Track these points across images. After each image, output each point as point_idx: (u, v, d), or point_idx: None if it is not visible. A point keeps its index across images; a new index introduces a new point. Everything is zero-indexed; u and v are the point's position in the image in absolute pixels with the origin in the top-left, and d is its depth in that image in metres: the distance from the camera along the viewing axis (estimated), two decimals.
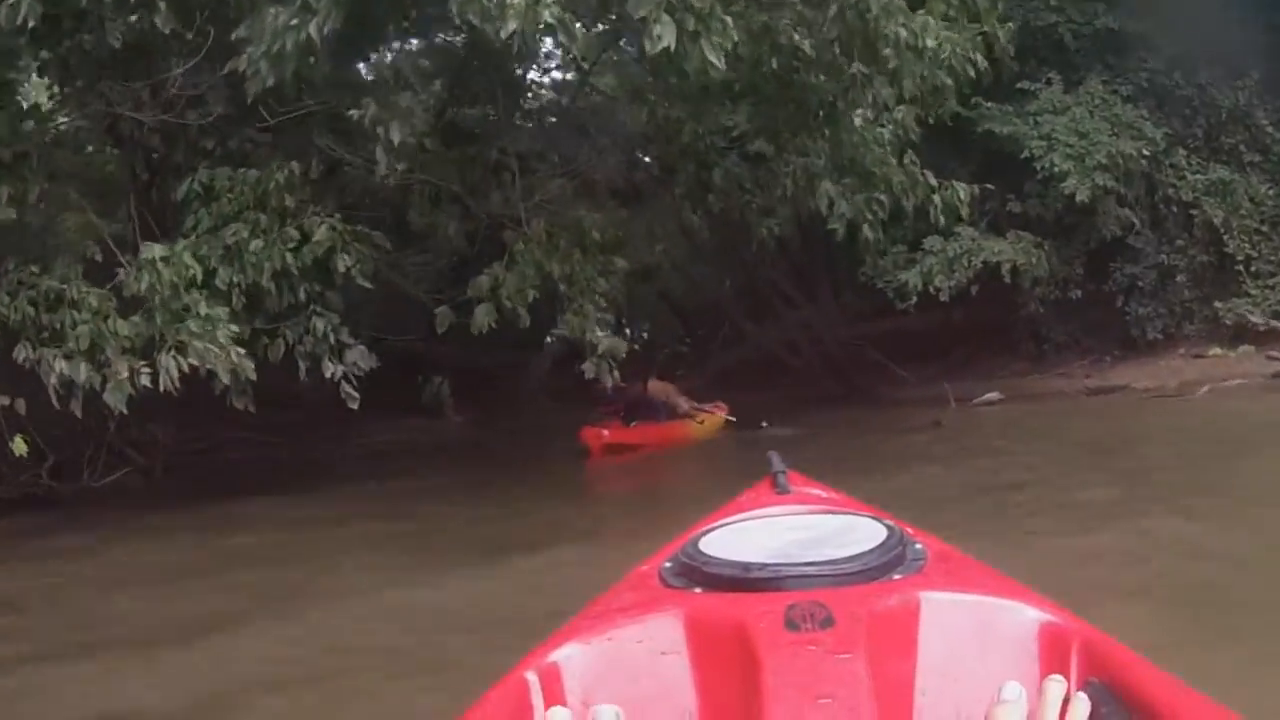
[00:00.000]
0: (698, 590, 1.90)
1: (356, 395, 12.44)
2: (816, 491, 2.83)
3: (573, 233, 13.59)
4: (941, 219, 14.38)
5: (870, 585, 1.80)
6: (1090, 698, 1.50)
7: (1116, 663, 1.63)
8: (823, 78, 12.45)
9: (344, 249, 12.05)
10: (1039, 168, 21.57)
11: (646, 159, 20.52)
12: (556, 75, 26.39)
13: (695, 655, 1.76)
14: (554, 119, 23.94)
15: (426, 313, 15.28)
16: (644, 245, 38.27)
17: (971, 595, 1.83)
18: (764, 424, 18.81)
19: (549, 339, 55.46)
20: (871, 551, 1.89)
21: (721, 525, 2.26)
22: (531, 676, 1.73)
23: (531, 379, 50.77)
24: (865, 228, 13.92)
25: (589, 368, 12.94)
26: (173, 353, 10.92)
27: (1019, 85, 22.51)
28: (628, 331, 60.25)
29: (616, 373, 12.64)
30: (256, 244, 11.49)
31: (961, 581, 1.91)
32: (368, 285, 12.79)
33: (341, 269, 12.10)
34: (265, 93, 10.47)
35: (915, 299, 22.51)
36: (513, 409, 41.25)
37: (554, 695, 1.71)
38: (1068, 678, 1.58)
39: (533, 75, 26.60)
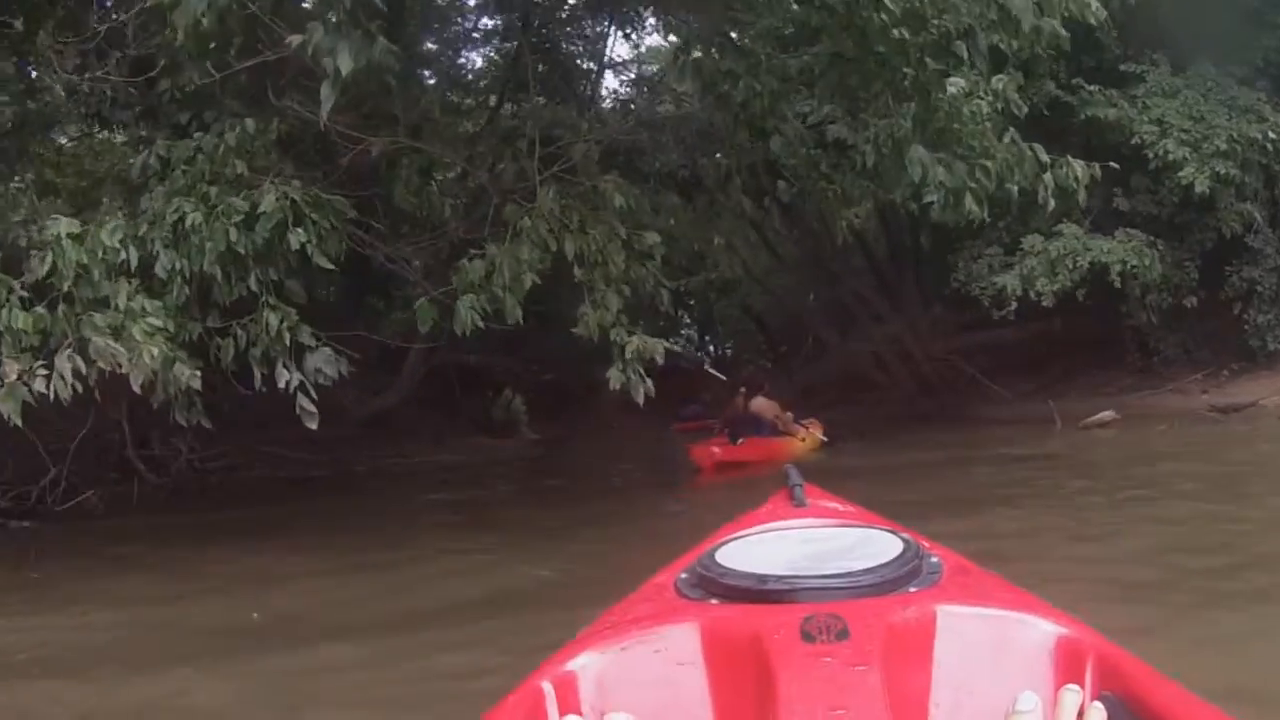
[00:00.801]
0: (714, 601, 1.88)
1: (314, 411, 9.87)
2: (833, 505, 2.83)
3: (588, 202, 10.89)
4: (1052, 202, 11.63)
5: (886, 598, 1.78)
6: (1105, 710, 1.47)
7: (1131, 676, 1.60)
8: (907, 33, 9.92)
9: (297, 222, 9.40)
10: (1150, 156, 18.84)
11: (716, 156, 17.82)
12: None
13: (711, 666, 1.73)
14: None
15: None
16: (723, 256, 37.41)
17: (987, 608, 1.80)
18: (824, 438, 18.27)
19: None
20: (887, 564, 1.87)
21: (738, 537, 2.26)
22: (547, 685, 1.70)
23: (612, 396, 49.07)
24: (968, 199, 11.05)
25: (615, 376, 10.34)
26: (70, 351, 8.45)
27: (1121, 68, 19.90)
28: (712, 348, 59.26)
29: (649, 383, 10.17)
30: (196, 217, 8.93)
31: (977, 594, 1.90)
32: (329, 266, 9.99)
33: (295, 246, 9.35)
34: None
35: (1014, 305, 20.00)
36: (594, 428, 39.63)
37: (569, 704, 1.69)
38: (1083, 690, 1.55)
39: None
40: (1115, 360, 23.07)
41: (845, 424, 20.56)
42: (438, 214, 13.78)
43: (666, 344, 10.60)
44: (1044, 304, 19.56)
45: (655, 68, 28.91)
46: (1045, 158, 11.39)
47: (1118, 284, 19.49)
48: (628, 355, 10.11)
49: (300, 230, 9.24)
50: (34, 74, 11.76)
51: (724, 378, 22.09)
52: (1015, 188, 11.44)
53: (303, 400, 9.66)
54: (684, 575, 2.04)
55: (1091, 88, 19.58)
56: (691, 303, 50.55)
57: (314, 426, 9.80)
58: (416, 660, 6.27)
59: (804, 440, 18.10)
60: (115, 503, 14.71)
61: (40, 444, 13.22)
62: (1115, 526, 9.28)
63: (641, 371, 10.17)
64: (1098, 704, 1.50)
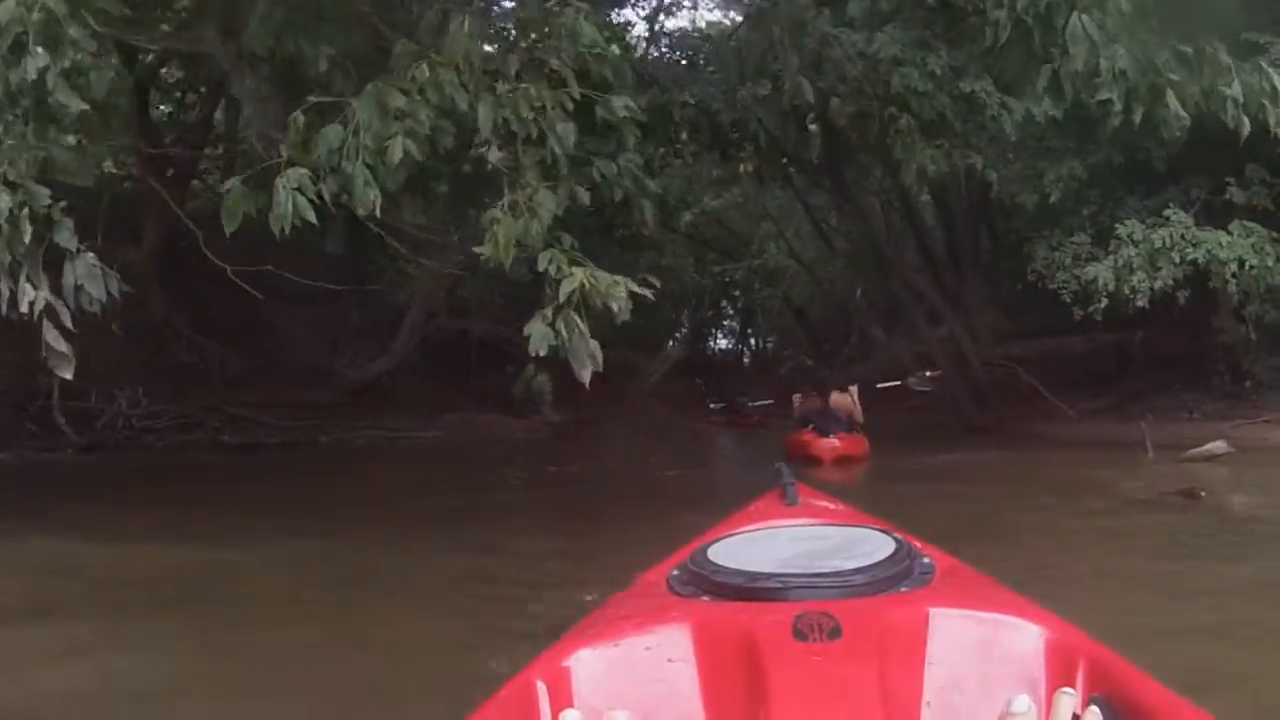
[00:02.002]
0: (706, 599, 1.87)
1: (66, 352, 6.13)
2: (824, 504, 2.82)
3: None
4: (1245, 125, 7.98)
5: (878, 597, 1.77)
6: (1100, 713, 1.41)
7: (1123, 678, 1.57)
8: None
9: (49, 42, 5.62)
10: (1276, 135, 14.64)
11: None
12: None
13: (703, 663, 1.69)
14: None
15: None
16: (770, 241, 34.57)
17: (979, 609, 1.75)
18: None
19: (671, 341, 52.14)
20: (880, 564, 1.87)
21: (730, 535, 2.26)
22: (539, 681, 1.65)
23: (644, 382, 46.72)
24: (1170, 100, 7.36)
25: (538, 333, 6.58)
26: None
27: (1244, 36, 16.15)
28: (753, 341, 56.25)
29: (598, 353, 6.56)
30: None
31: (969, 595, 1.87)
32: (79, 106, 6.05)
33: (32, 73, 5.57)
34: None
35: (1104, 302, 16.28)
36: (623, 413, 36.71)
37: (562, 700, 1.63)
38: (1075, 692, 1.47)
39: None
40: (1198, 383, 19.32)
41: (886, 431, 17.96)
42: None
43: (635, 285, 6.68)
44: (1138, 303, 16.01)
45: None
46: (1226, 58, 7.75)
47: (1229, 286, 15.87)
48: (562, 297, 6.54)
49: (41, 50, 5.55)
50: None
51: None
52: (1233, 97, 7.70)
53: (50, 334, 6.06)
54: (676, 572, 2.02)
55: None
56: (736, 293, 47.91)
57: (68, 375, 6.19)
58: None
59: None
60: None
61: None
62: None
63: (583, 328, 6.56)
64: (1094, 708, 1.41)
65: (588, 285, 6.42)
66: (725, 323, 55.86)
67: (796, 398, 18.06)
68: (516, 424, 24.05)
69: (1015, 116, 12.37)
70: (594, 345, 6.60)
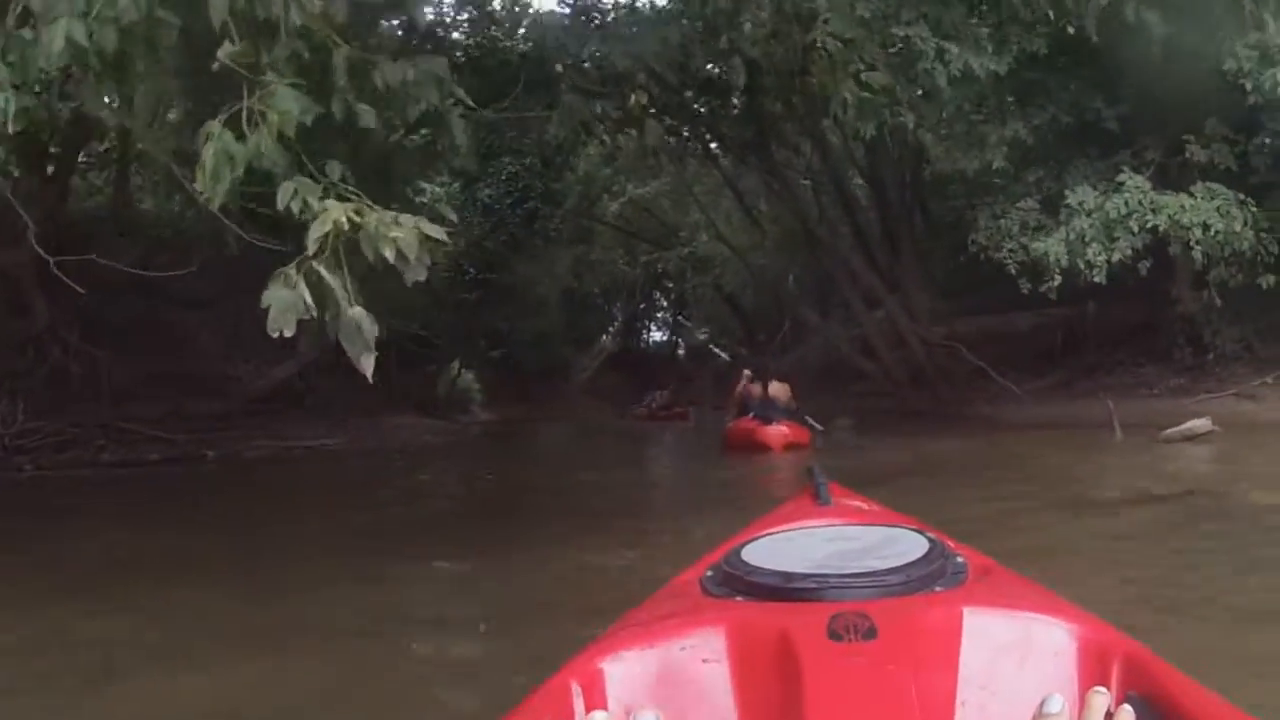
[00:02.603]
0: (740, 599, 1.78)
1: None
2: (857, 504, 2.75)
3: None
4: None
5: (913, 597, 1.69)
6: (1133, 711, 1.36)
7: (1158, 677, 1.49)
8: None
9: None
10: (1247, 88, 12.93)
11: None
12: None
13: (737, 664, 1.60)
14: None
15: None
16: (701, 230, 33.09)
17: (1013, 609, 1.68)
18: None
19: (605, 335, 50.67)
20: (914, 563, 1.78)
21: (763, 535, 2.15)
22: (574, 682, 1.57)
23: (576, 378, 45.41)
24: None
25: (277, 297, 4.21)
26: None
27: None
28: (696, 334, 54.68)
29: (370, 333, 4.59)
30: None
31: (1003, 594, 1.79)
32: None
33: None
34: None
35: (1057, 279, 14.58)
36: (555, 411, 35.28)
37: (595, 701, 1.56)
38: (1110, 692, 1.42)
39: None
40: (1155, 356, 17.85)
41: (826, 418, 17.06)
42: None
43: (437, 233, 4.61)
44: (1094, 278, 14.33)
45: None
46: None
47: (1193, 253, 14.17)
48: (311, 246, 4.35)
49: None
50: None
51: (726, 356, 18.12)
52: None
53: None
54: (710, 573, 1.93)
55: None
56: (668, 284, 46.41)
57: None
58: None
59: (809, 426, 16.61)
60: None
61: None
62: None
63: (344, 290, 4.44)
64: (1126, 706, 1.35)
65: (349, 226, 4.34)
66: (659, 315, 54.39)
67: (745, 374, 17.65)
68: (431, 426, 22.31)
69: (953, 69, 10.73)
70: (366, 320, 4.48)
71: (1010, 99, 15.04)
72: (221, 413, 18.48)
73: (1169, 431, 11.59)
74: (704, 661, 1.61)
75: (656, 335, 56.10)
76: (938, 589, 1.73)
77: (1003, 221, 15.18)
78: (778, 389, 16.58)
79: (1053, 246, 14.07)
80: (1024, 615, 1.64)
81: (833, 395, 24.43)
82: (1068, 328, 19.31)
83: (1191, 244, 13.70)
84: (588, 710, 1.53)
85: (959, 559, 1.87)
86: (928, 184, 23.49)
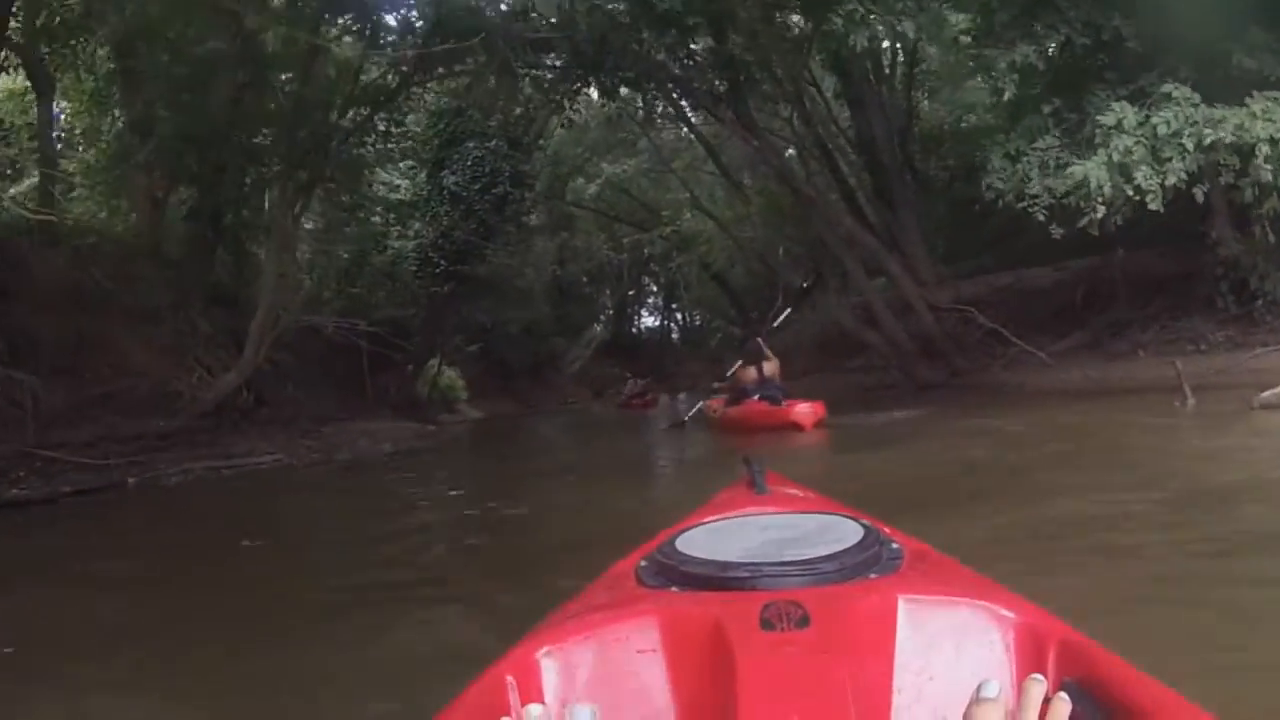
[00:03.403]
0: (674, 589, 1.74)
1: None
2: (794, 492, 2.69)
3: None
4: None
5: (847, 585, 1.66)
6: (1069, 699, 1.30)
7: (1094, 663, 1.46)
8: None
9: None
10: None
11: None
12: None
13: (671, 654, 1.58)
14: None
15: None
16: (684, 209, 31.06)
17: (948, 595, 1.64)
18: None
19: (596, 324, 48.59)
20: (848, 551, 1.75)
21: (698, 525, 2.11)
22: (509, 675, 1.54)
23: (567, 369, 43.30)
24: None
25: None
26: None
27: None
28: (680, 317, 52.78)
29: None
30: None
31: (938, 581, 1.74)
32: None
33: None
34: None
35: (1100, 211, 11.97)
36: (545, 404, 33.14)
37: (531, 694, 1.53)
38: (1045, 677, 1.36)
39: None
40: (1194, 306, 15.38)
41: (829, 398, 14.45)
42: None
43: None
44: (1150, 205, 11.67)
45: None
46: None
47: (1256, 175, 11.41)
48: None
49: None
50: None
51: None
52: None
53: None
54: (644, 563, 1.88)
55: None
56: (655, 268, 44.43)
57: None
58: None
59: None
60: None
61: None
62: None
63: None
64: (1062, 694, 1.29)
65: None
66: (650, 300, 52.49)
67: (738, 365, 15.93)
68: (404, 430, 20.06)
69: None
70: None
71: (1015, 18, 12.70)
72: (162, 432, 16.22)
73: (1266, 396, 9.03)
74: (638, 652, 1.57)
75: (649, 321, 54.30)
76: (872, 576, 1.68)
77: (1020, 164, 12.63)
78: (771, 368, 15.27)
79: (1094, 171, 11.43)
80: (960, 601, 1.60)
81: (831, 372, 22.39)
82: (1090, 282, 16.94)
83: (1260, 163, 11.05)
84: (523, 703, 1.47)
85: (894, 545, 1.82)
86: (917, 142, 21.35)
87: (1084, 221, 11.91)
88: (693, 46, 16.11)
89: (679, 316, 53.50)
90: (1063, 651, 1.50)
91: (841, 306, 19.86)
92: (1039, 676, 1.32)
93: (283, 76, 16.95)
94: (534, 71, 17.47)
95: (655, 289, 50.95)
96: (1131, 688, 1.36)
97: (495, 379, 36.48)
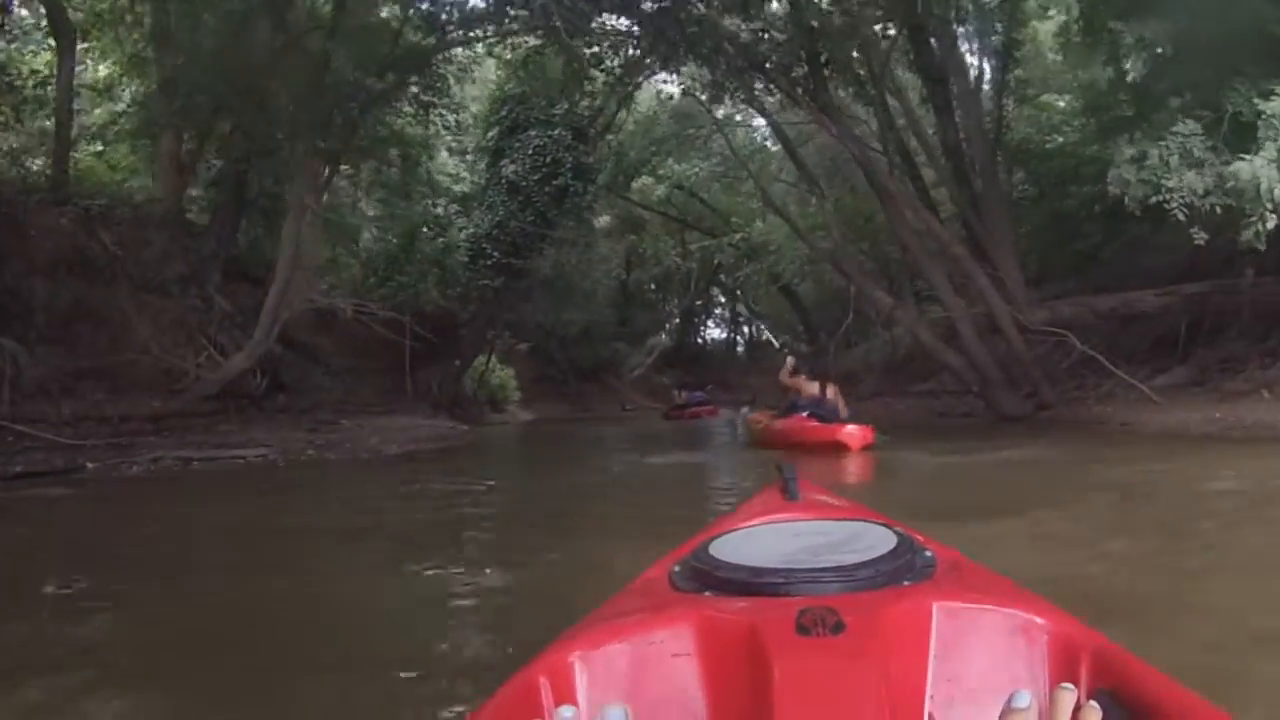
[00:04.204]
0: (708, 594, 1.69)
1: None
2: (826, 499, 2.52)
3: None
4: None
5: (881, 591, 1.60)
6: (1100, 706, 1.25)
7: (1127, 672, 1.41)
8: None
9: None
10: None
11: None
12: None
13: (705, 658, 1.52)
14: None
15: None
16: (756, 218, 28.96)
17: (982, 603, 1.57)
18: None
19: (662, 333, 46.65)
20: (882, 558, 1.68)
21: (731, 531, 2.04)
22: (542, 676, 1.49)
23: (626, 375, 41.40)
24: None
25: None
26: None
27: None
28: (746, 330, 50.67)
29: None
30: None
31: (972, 589, 1.67)
32: None
33: None
34: None
35: (1273, 220, 9.63)
36: (599, 409, 33.97)
37: (564, 695, 1.48)
38: (1078, 686, 1.32)
39: None
40: None
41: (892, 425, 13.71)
42: None
43: None
44: None
45: None
46: None
47: None
48: None
49: None
50: None
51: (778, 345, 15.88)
52: None
53: None
54: (678, 568, 1.84)
55: None
56: (723, 278, 42.56)
57: None
58: None
59: None
60: None
61: None
62: None
63: None
64: (1093, 703, 1.24)
65: None
66: (717, 310, 50.49)
67: (790, 361, 15.05)
68: (435, 429, 18.14)
69: None
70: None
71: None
72: (156, 414, 14.40)
73: None
74: (672, 656, 1.53)
75: (715, 332, 52.25)
76: (906, 583, 1.63)
77: (1159, 148, 10.16)
78: (834, 393, 14.10)
79: (1264, 170, 9.00)
80: (993, 609, 1.54)
81: (897, 397, 20.24)
82: (1198, 310, 14.51)
83: None
84: (555, 705, 1.42)
85: (927, 553, 1.77)
86: (1006, 152, 19.05)
87: (1248, 234, 9.50)
88: (768, 10, 13.94)
89: (745, 330, 51.47)
90: (1096, 660, 1.44)
91: (921, 321, 17.44)
92: (1069, 685, 1.26)
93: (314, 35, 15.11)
94: (586, 40, 15.42)
95: (723, 300, 48.96)
96: (1165, 698, 1.31)
97: (551, 381, 34.98)
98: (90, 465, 11.61)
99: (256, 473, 11.75)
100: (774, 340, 32.46)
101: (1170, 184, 9.86)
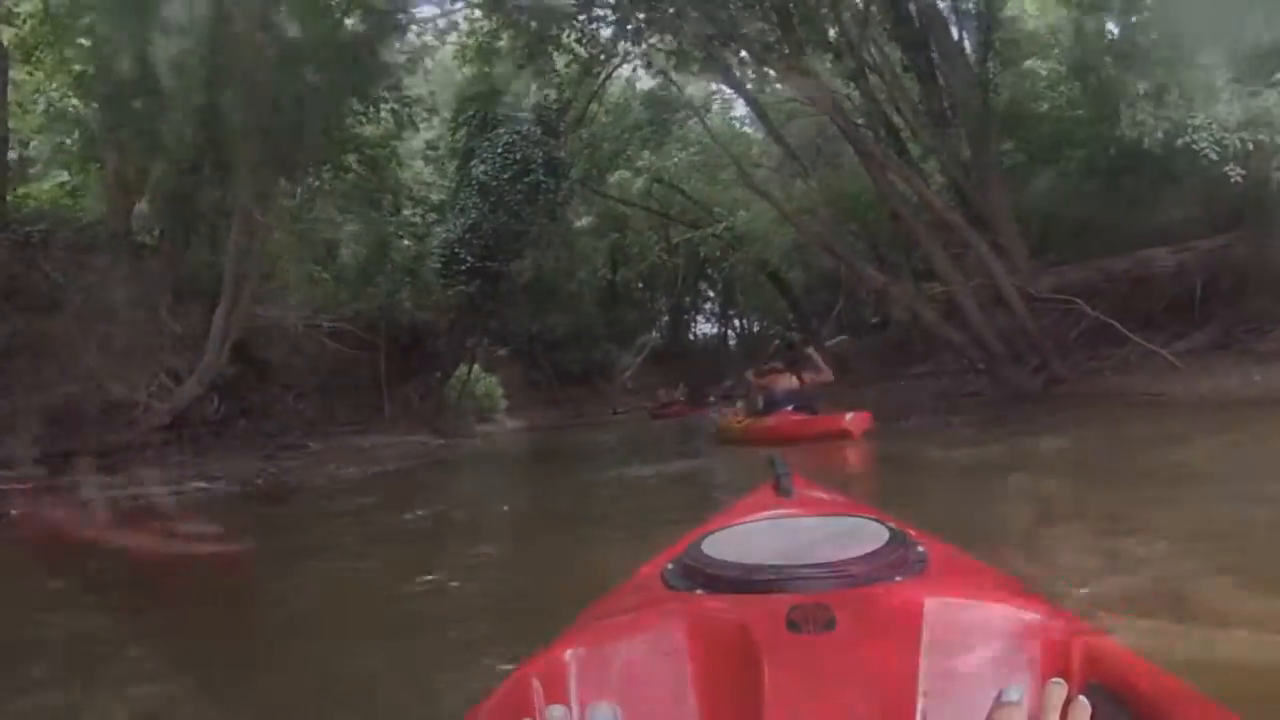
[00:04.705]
0: (700, 592, 1.72)
1: None
2: (819, 494, 2.54)
3: None
4: None
5: (873, 587, 1.62)
6: (1091, 700, 1.25)
7: (1118, 665, 1.43)
8: None
9: None
10: None
11: None
12: None
13: (697, 656, 1.54)
14: None
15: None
16: (738, 205, 27.84)
17: (974, 598, 1.58)
18: None
19: (653, 331, 45.48)
20: (874, 554, 1.71)
21: (724, 528, 2.05)
22: (534, 677, 1.51)
23: (617, 377, 40.27)
24: None
25: None
26: None
27: None
28: (737, 323, 49.44)
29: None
30: None
31: (964, 584, 1.70)
32: None
33: None
34: None
35: None
36: (589, 414, 32.58)
37: (556, 695, 1.49)
38: (1069, 680, 1.37)
39: None
40: None
41: (892, 411, 13.15)
42: None
43: None
44: None
45: None
46: None
47: None
48: None
49: None
50: None
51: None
52: None
53: None
54: (671, 566, 1.85)
55: None
56: (711, 272, 41.34)
57: None
58: None
59: None
60: None
61: None
62: None
63: None
64: (1082, 698, 1.24)
65: None
66: (707, 305, 49.23)
67: (768, 369, 14.28)
68: (414, 446, 16.99)
69: None
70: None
71: None
72: (105, 449, 13.20)
73: None
74: (664, 655, 1.53)
75: (706, 328, 50.88)
76: (898, 579, 1.63)
77: (1176, 91, 8.96)
78: (810, 377, 13.60)
79: None
80: (985, 605, 1.55)
81: (892, 382, 19.36)
82: (1216, 267, 13.33)
83: None
84: (548, 704, 1.42)
85: (919, 548, 1.76)
86: (996, 119, 17.90)
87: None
88: None
89: (736, 323, 50.20)
90: (1088, 654, 1.44)
91: (919, 298, 16.17)
92: (1060, 680, 1.25)
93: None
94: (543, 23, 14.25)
95: (712, 294, 47.73)
96: (1157, 690, 1.31)
97: (540, 387, 33.81)
98: (14, 512, 10.43)
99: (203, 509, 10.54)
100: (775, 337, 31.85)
101: (1196, 121, 8.65)
